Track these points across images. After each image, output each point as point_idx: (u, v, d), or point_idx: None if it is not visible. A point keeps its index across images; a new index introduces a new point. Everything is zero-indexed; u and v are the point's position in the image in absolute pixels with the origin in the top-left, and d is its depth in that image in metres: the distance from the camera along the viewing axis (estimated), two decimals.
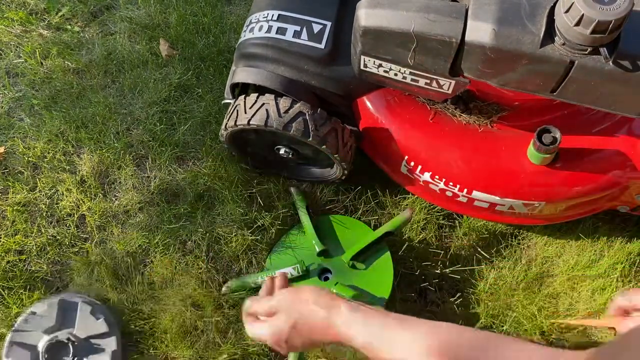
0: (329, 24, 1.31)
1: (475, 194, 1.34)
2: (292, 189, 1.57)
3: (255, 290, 1.47)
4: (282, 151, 1.44)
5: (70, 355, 1.39)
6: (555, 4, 0.94)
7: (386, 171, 1.50)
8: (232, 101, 1.43)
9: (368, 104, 1.40)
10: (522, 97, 1.27)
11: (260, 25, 1.33)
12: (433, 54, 1.05)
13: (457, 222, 1.57)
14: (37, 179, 1.64)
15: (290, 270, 1.42)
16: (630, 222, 1.55)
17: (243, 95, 1.36)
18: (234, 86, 1.42)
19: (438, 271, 1.50)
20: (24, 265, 1.54)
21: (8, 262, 1.53)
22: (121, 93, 1.77)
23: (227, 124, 1.37)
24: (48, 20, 1.90)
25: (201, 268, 1.51)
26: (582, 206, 1.39)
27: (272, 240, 1.54)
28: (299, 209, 1.53)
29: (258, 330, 0.86)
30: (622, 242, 1.52)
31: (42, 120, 1.72)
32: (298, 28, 1.30)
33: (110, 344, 1.42)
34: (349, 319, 0.77)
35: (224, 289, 1.47)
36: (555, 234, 1.56)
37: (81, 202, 1.61)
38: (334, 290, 1.40)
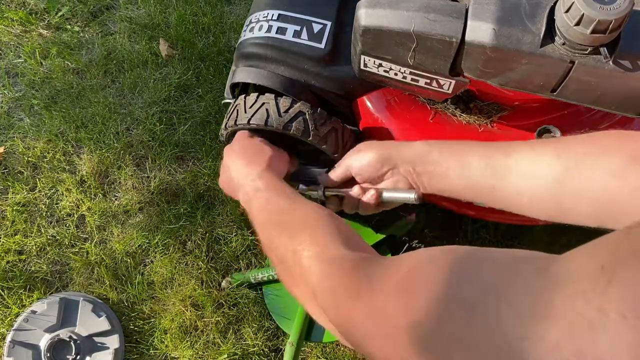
0: (329, 23, 1.30)
1: None
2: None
3: (254, 285, 1.47)
4: None
5: (73, 354, 1.39)
6: (555, 3, 0.93)
7: None
8: (232, 101, 1.43)
9: (368, 104, 1.39)
10: (522, 97, 1.27)
11: (260, 25, 1.33)
12: (433, 54, 1.05)
13: (457, 222, 1.57)
14: (37, 179, 1.64)
15: None
16: None
17: (243, 95, 1.36)
18: (234, 86, 1.42)
19: None
20: (24, 265, 1.54)
21: (8, 262, 1.53)
22: (121, 93, 1.77)
23: (227, 123, 1.37)
24: (48, 20, 1.90)
25: (201, 268, 1.51)
26: None
27: None
28: None
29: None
30: None
31: (42, 120, 1.71)
32: (298, 28, 1.30)
33: (113, 341, 1.42)
34: (251, 205, 0.94)
35: (223, 283, 1.48)
36: (555, 233, 1.56)
37: (81, 202, 1.61)
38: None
